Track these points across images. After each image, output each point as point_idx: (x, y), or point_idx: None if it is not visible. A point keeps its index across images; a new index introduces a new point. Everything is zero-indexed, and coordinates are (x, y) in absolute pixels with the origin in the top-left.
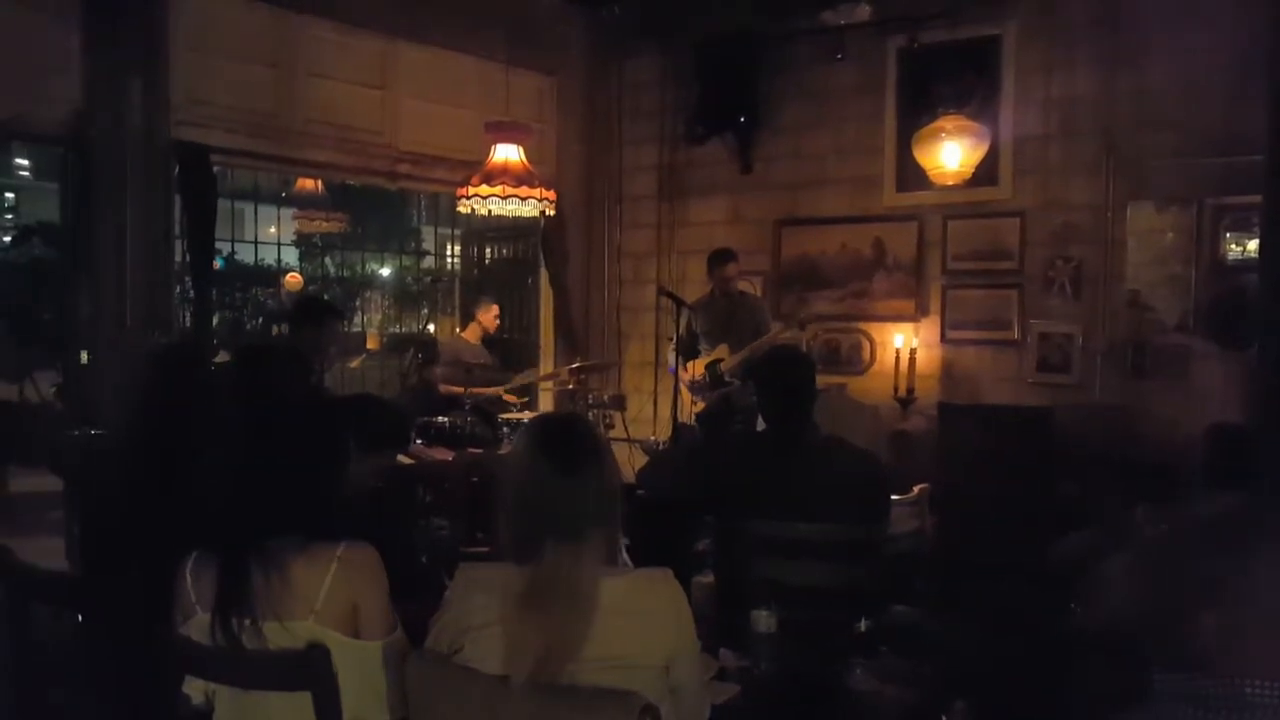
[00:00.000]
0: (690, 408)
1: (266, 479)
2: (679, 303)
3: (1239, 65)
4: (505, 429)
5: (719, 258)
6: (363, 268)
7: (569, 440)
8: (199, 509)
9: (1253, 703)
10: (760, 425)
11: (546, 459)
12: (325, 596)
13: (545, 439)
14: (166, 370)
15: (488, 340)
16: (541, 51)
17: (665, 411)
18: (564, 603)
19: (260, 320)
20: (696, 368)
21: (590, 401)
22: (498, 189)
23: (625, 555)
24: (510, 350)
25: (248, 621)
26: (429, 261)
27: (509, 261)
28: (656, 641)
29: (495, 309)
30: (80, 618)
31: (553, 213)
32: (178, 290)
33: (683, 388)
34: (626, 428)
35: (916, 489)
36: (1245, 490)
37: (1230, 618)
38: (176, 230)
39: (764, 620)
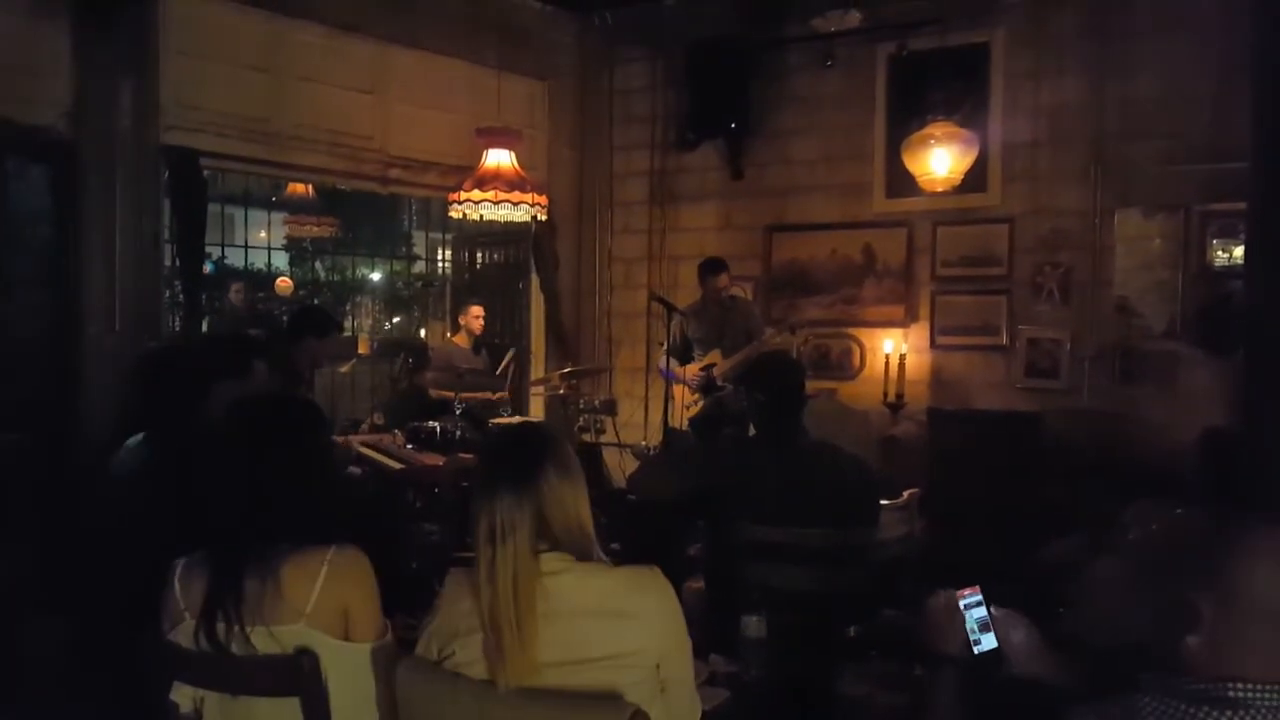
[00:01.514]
0: (682, 413)
1: (256, 484)
2: (670, 308)
3: (1225, 73)
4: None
5: (709, 268)
6: (353, 272)
7: (494, 451)
8: (190, 513)
9: (1235, 700)
10: (751, 430)
11: (476, 472)
12: (316, 600)
13: (480, 453)
14: (156, 374)
15: (477, 344)
16: (533, 57)
17: (656, 416)
18: (508, 607)
19: (215, 325)
20: (690, 373)
21: (581, 406)
22: (489, 194)
23: (599, 554)
24: (502, 355)
25: (236, 627)
26: (420, 266)
27: (500, 266)
28: (646, 639)
29: (476, 310)
30: (69, 624)
31: (544, 218)
32: (167, 294)
33: (675, 390)
34: (617, 433)
35: (906, 494)
36: (1237, 495)
37: (1213, 623)
38: (166, 234)
39: (754, 625)
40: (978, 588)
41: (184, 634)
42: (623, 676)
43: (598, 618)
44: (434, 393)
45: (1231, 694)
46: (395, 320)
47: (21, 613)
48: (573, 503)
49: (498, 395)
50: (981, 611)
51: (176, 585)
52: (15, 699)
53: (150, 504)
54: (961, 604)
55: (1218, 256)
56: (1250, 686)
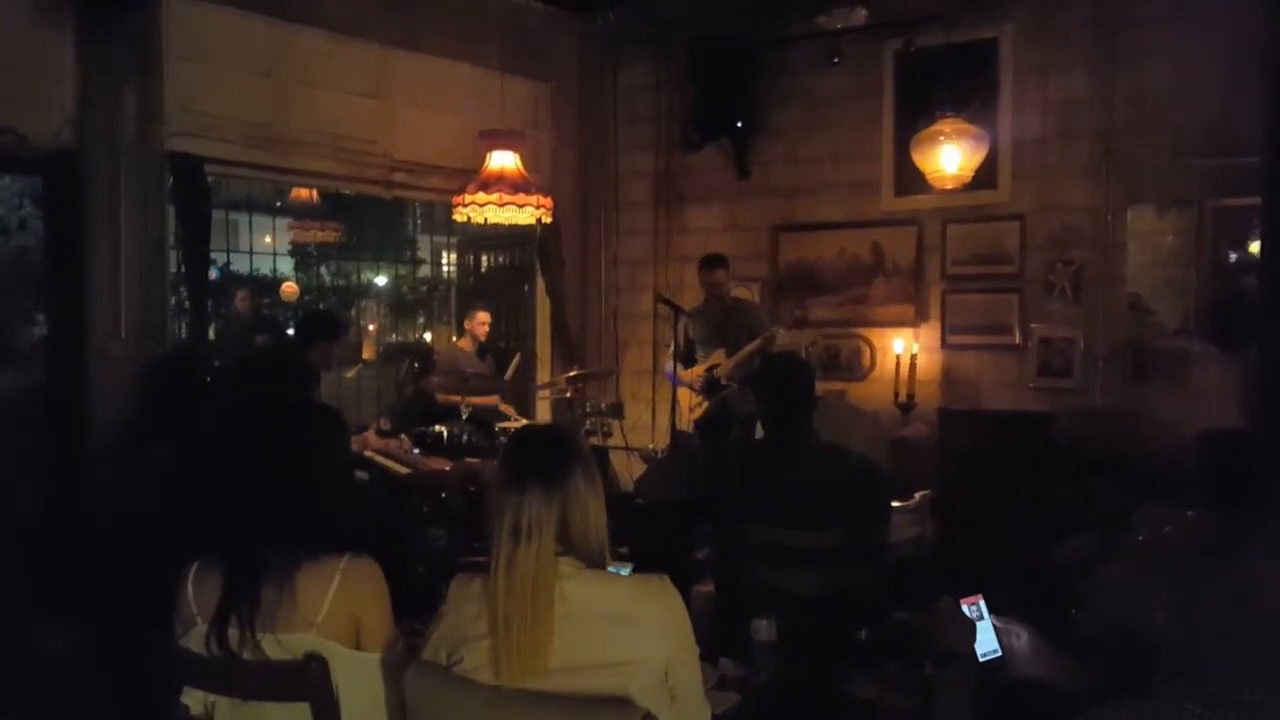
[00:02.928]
0: (689, 415)
1: (270, 490)
2: (676, 310)
3: (1236, 66)
4: (502, 439)
5: (706, 263)
6: (358, 277)
7: (526, 449)
8: (202, 519)
9: (1250, 704)
10: (759, 432)
11: (504, 468)
12: (328, 609)
13: (508, 449)
14: (163, 380)
15: (482, 348)
16: (536, 58)
17: (663, 419)
18: (524, 605)
19: (224, 331)
20: (694, 374)
21: (588, 410)
22: (494, 197)
23: (610, 563)
24: (507, 359)
25: (248, 633)
26: (425, 270)
27: (505, 269)
28: (654, 647)
29: (482, 316)
30: (78, 629)
31: (549, 220)
32: (172, 301)
33: (681, 392)
34: (624, 436)
35: (918, 495)
36: (1242, 497)
37: (1228, 626)
38: (171, 241)
39: (764, 629)
40: (979, 597)
41: (195, 639)
42: (630, 684)
43: (606, 623)
44: (441, 397)
45: (1247, 697)
46: (400, 325)
47: (30, 618)
48: (595, 509)
49: (504, 404)
50: (985, 619)
51: (189, 589)
52: (24, 703)
53: (164, 509)
54: (965, 611)
55: (1231, 252)
56: (1266, 689)
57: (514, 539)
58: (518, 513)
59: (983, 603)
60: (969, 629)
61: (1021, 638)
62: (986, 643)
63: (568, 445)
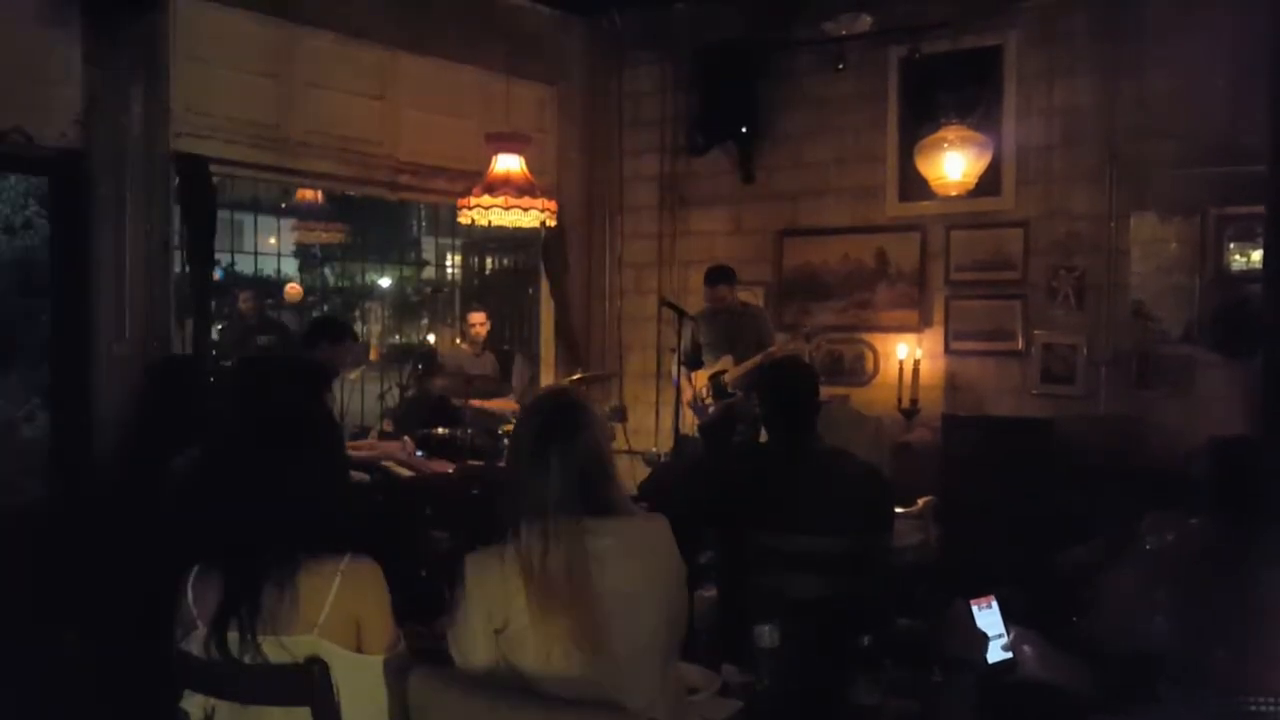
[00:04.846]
0: (692, 419)
1: (275, 491)
2: (680, 314)
3: (1241, 73)
4: (505, 441)
5: (708, 278)
6: (362, 278)
7: (538, 417)
8: (201, 522)
9: (1256, 714)
10: (762, 436)
11: (520, 440)
12: (329, 610)
13: (521, 422)
14: (166, 382)
15: (481, 349)
16: (542, 62)
17: (667, 423)
18: (562, 583)
19: (226, 332)
20: (699, 379)
21: None
22: (499, 200)
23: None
24: (509, 359)
25: (248, 636)
26: (429, 272)
27: (509, 272)
28: (660, 576)
29: (474, 317)
30: (86, 632)
31: (553, 223)
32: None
33: (685, 394)
34: (628, 439)
35: (921, 501)
36: (1247, 505)
37: (1234, 636)
38: (176, 241)
39: (767, 635)
40: (992, 597)
41: (196, 643)
42: (639, 610)
43: (620, 557)
44: (456, 401)
45: (1253, 708)
46: (404, 327)
47: (34, 621)
48: (610, 459)
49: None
50: (996, 621)
51: (190, 593)
52: (29, 707)
53: (186, 519)
54: (976, 613)
55: (1235, 260)
56: (1273, 700)
57: (541, 511)
58: (544, 481)
59: (995, 603)
60: (980, 636)
61: (1030, 644)
62: (999, 646)
63: (575, 403)
